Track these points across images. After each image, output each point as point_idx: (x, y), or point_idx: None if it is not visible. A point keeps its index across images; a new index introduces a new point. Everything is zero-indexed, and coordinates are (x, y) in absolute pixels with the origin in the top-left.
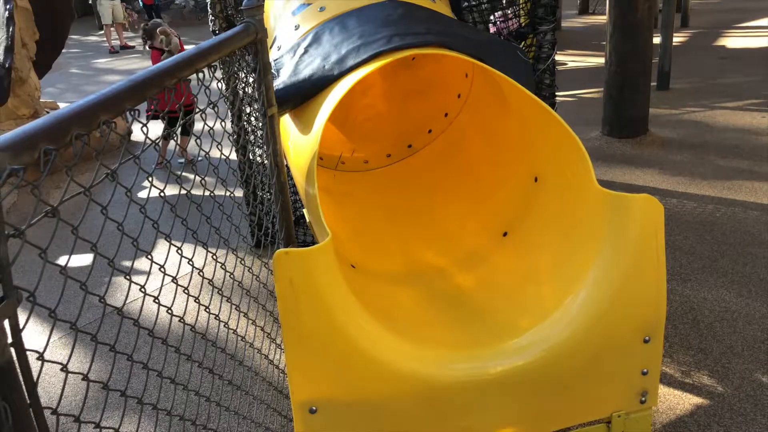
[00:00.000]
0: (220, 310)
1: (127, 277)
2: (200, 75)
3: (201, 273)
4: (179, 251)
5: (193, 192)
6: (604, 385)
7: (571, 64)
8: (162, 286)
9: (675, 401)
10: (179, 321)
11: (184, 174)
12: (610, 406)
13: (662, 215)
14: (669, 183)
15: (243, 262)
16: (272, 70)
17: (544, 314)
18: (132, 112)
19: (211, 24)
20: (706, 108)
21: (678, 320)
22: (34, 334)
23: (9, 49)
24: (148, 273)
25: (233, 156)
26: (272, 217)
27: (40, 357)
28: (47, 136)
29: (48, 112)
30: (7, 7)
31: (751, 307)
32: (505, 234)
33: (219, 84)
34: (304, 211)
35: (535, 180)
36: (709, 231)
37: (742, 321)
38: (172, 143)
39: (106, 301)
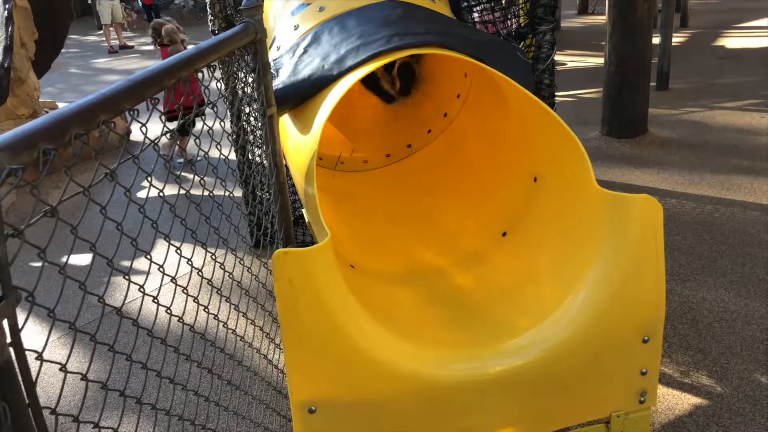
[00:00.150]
0: (219, 310)
1: (126, 276)
2: (200, 75)
3: (200, 273)
4: (178, 251)
5: (193, 192)
6: (604, 385)
7: (570, 64)
8: (161, 285)
9: (674, 401)
10: (178, 321)
11: (183, 174)
12: (610, 406)
13: (661, 215)
14: (668, 183)
15: (242, 262)
16: (271, 70)
17: (544, 314)
18: (131, 112)
19: (210, 24)
20: (705, 108)
21: (677, 320)
22: (33, 333)
23: (8, 49)
24: (147, 273)
25: (232, 156)
26: (271, 217)
27: (39, 357)
28: (46, 136)
29: (47, 112)
30: (6, 6)
31: (750, 307)
32: (504, 234)
33: (218, 84)
34: (303, 211)
35: (535, 180)
36: (708, 231)
37: (741, 321)
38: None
39: (105, 301)
